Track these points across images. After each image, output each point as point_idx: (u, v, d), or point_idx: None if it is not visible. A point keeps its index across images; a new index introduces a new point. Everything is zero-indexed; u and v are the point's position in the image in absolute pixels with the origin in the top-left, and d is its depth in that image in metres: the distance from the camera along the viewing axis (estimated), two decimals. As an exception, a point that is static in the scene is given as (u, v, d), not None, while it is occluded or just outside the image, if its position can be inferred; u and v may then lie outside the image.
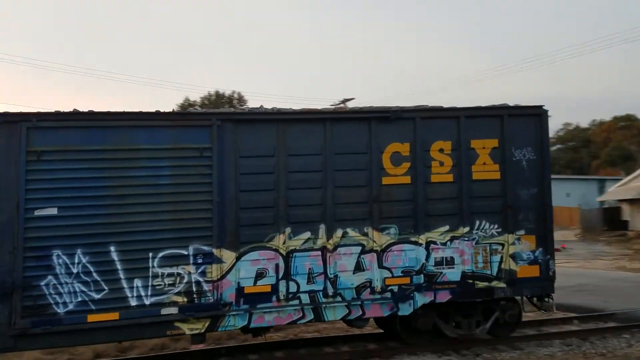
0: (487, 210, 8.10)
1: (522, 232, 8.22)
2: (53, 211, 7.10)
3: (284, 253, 7.56)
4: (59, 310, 7.02)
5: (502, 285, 8.13)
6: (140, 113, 7.37)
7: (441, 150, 8.07)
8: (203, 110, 7.97)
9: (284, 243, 7.56)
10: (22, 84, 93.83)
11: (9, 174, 6.96)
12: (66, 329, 7.05)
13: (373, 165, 7.82)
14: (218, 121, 7.48)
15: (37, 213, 7.06)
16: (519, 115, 8.34)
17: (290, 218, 7.60)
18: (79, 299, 7.06)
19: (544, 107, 8.50)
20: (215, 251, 7.37)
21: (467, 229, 8.01)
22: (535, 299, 9.10)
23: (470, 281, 8.02)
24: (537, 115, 8.38)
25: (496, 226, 8.14)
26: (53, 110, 7.41)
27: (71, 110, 7.39)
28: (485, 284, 8.08)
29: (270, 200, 7.56)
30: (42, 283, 7.01)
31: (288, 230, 7.58)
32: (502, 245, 8.15)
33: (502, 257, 8.13)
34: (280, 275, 7.54)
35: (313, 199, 7.67)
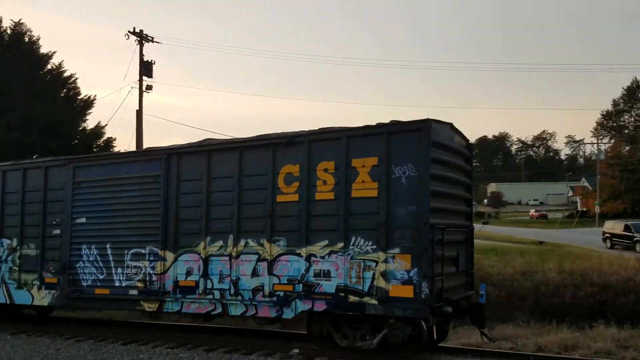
0: (363, 227, 8.31)
1: (396, 250, 8.06)
2: (83, 220, 11.06)
3: (204, 257, 9.67)
4: (83, 284, 10.91)
5: (374, 302, 8.15)
6: (123, 153, 10.77)
7: (325, 170, 8.74)
8: (155, 147, 10.77)
9: (204, 248, 9.67)
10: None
11: (67, 197, 11.23)
12: (85, 297, 10.90)
13: (270, 185, 9.15)
14: (165, 155, 10.21)
15: (78, 221, 11.13)
16: (400, 131, 8.26)
17: (209, 229, 9.67)
18: (92, 277, 10.82)
19: (429, 120, 8.13)
20: (160, 252, 10.07)
21: (342, 244, 8.43)
22: (481, 327, 8.61)
23: (343, 294, 8.38)
24: (418, 130, 8.10)
25: (371, 243, 8.25)
26: (88, 155, 11.48)
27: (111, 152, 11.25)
28: (357, 298, 8.28)
29: (198, 215, 9.81)
30: (77, 265, 11.03)
31: (208, 238, 9.66)
32: (376, 262, 8.20)
33: (374, 274, 8.19)
34: (201, 273, 9.66)
35: (226, 214, 9.52)
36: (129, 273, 10.40)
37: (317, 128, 9.17)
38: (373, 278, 8.20)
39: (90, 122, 27.08)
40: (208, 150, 9.90)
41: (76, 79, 27.02)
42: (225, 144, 10.00)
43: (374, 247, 8.23)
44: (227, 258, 9.43)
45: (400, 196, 8.12)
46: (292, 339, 10.25)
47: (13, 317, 12.77)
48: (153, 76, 27.98)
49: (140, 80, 27.77)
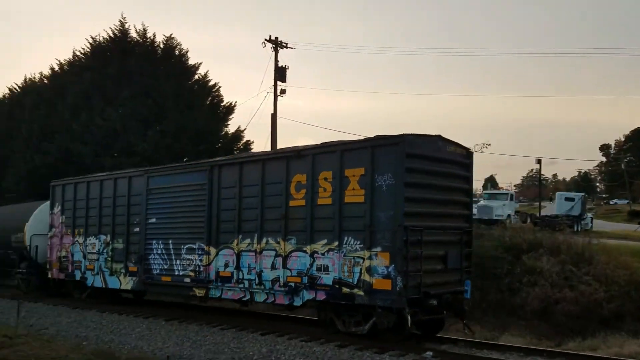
0: (353, 229, 9.75)
1: (378, 249, 9.35)
2: (154, 220, 13.58)
3: (237, 252, 11.76)
4: (154, 272, 13.50)
5: (361, 293, 9.54)
6: (179, 165, 13.10)
7: (325, 179, 10.33)
8: (202, 161, 12.83)
9: (237, 245, 11.78)
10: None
11: (143, 201, 13.83)
12: (155, 283, 13.49)
13: (284, 191, 10.84)
14: (209, 166, 12.35)
15: (150, 221, 13.69)
16: (382, 145, 9.52)
17: (241, 229, 11.61)
18: (160, 267, 13.34)
19: (405, 135, 9.21)
20: (206, 247, 12.28)
21: (337, 243, 9.91)
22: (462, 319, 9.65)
23: (338, 286, 9.93)
24: (395, 144, 9.23)
25: (359, 242, 9.62)
26: (157, 167, 13.96)
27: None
28: (349, 290, 9.74)
29: (233, 217, 11.75)
30: (150, 257, 13.65)
31: (240, 237, 11.77)
32: (362, 259, 9.50)
33: (361, 269, 9.50)
34: (234, 266, 11.68)
35: (252, 216, 11.40)
36: (184, 264, 12.81)
37: (320, 142, 10.68)
38: (360, 272, 9.74)
39: (231, 127, 29.06)
40: (240, 162, 11.93)
41: (219, 87, 29.05)
42: (252, 156, 12.00)
43: (361, 245, 9.73)
44: (253, 253, 11.42)
45: (382, 202, 9.51)
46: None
47: (114, 299, 15.75)
48: (287, 80, 29.24)
49: (275, 86, 29.23)
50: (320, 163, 10.38)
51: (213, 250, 12.33)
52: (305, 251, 10.46)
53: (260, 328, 11.34)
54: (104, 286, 15.20)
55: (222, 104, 28.84)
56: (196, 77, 28.51)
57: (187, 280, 12.81)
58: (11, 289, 19.52)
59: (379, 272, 9.41)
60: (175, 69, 27.64)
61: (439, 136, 10.06)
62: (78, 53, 28.50)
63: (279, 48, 29.51)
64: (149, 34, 27.94)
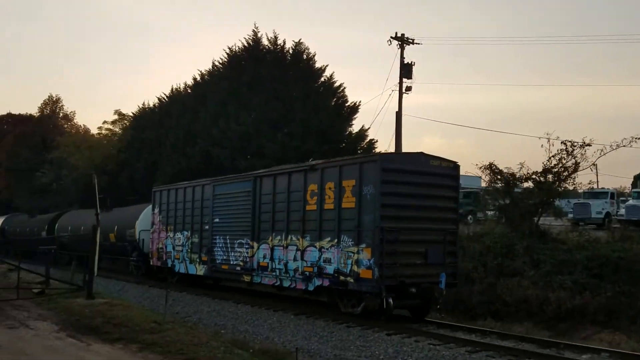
0: (347, 229, 11.86)
1: (364, 245, 11.61)
2: (217, 220, 16.86)
3: (271, 246, 14.27)
4: (217, 262, 16.67)
5: (352, 280, 11.93)
6: (234, 176, 16.26)
7: (330, 188, 12.57)
8: (249, 173, 15.69)
9: (271, 241, 14.27)
10: None
11: (210, 204, 17.19)
12: (218, 270, 16.60)
13: (302, 198, 13.35)
14: (253, 177, 15.27)
15: (215, 220, 17.02)
16: (367, 162, 11.94)
17: (274, 228, 14.27)
18: (221, 257, 16.48)
19: (382, 154, 11.37)
20: (251, 242, 15.12)
21: (336, 240, 12.11)
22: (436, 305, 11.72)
23: (337, 275, 12.13)
24: (374, 161, 11.74)
25: (351, 240, 11.77)
26: (220, 177, 17.23)
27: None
28: (344, 278, 11.90)
29: (269, 218, 14.49)
30: (214, 249, 16.84)
31: (273, 234, 14.22)
32: (353, 253, 11.74)
33: (352, 261, 11.72)
34: (270, 257, 14.37)
35: (281, 218, 14.01)
36: (236, 255, 15.68)
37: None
38: (351, 264, 12.13)
39: (355, 127, 29.96)
40: (274, 174, 14.62)
41: (344, 88, 30.03)
42: (282, 169, 14.92)
43: (352, 242, 12.17)
44: (282, 248, 13.92)
45: (366, 207, 11.92)
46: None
47: (198, 284, 19.29)
48: (412, 77, 29.58)
49: (400, 83, 29.63)
50: (326, 175, 12.95)
51: (255, 245, 14.61)
52: (315, 246, 13.05)
53: (386, 328, 11.64)
54: (186, 272, 18.82)
55: (346, 104, 29.69)
56: (322, 79, 29.63)
57: (238, 268, 15.68)
58: (123, 274, 24.10)
59: (364, 264, 11.82)
60: (303, 72, 29.10)
61: (422, 153, 12.21)
62: (217, 63, 31.87)
63: (405, 45, 29.61)
64: (279, 41, 29.96)
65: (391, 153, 11.13)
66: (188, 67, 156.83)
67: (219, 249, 16.79)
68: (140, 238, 23.29)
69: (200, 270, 17.86)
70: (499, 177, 19.64)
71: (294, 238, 13.63)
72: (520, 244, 17.02)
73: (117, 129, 43.69)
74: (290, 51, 30.05)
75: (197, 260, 17.94)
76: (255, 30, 30.66)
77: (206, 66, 35.94)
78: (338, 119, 28.83)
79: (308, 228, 13.13)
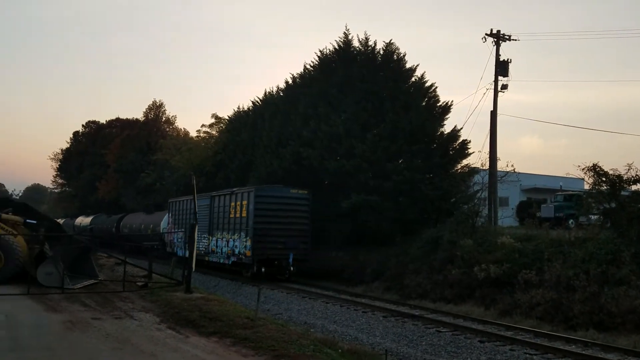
0: (243, 228, 23.68)
1: (249, 237, 22.67)
2: (207, 221, 27.46)
3: (216, 238, 23.60)
4: (201, 251, 24.17)
5: (244, 257, 23.18)
6: (200, 195, 25.17)
7: (238, 205, 23.76)
8: (208, 193, 27.96)
9: (216, 235, 25.09)
10: None
11: (190, 212, 22.91)
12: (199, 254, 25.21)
13: (229, 210, 25.23)
14: (210, 196, 26.92)
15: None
16: (250, 191, 23.75)
17: (217, 227, 26.35)
18: (207, 247, 24.99)
19: (257, 187, 24.72)
20: (208, 236, 26.47)
21: (238, 235, 23.97)
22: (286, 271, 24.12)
23: (239, 254, 23.53)
24: (252, 190, 23.82)
25: (244, 234, 22.94)
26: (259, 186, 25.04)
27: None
28: (242, 256, 23.63)
29: (216, 222, 26.11)
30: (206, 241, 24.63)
31: (217, 232, 26.01)
32: (245, 242, 23.31)
33: (245, 246, 23.35)
34: (215, 245, 25.90)
35: (220, 222, 25.71)
36: (203, 244, 26.38)
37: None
38: (245, 248, 23.11)
39: (446, 127, 29.14)
40: (218, 195, 25.88)
41: (436, 87, 29.13)
42: (220, 192, 26.66)
43: (244, 236, 22.92)
44: (221, 239, 25.16)
45: (250, 216, 23.05)
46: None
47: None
48: (509, 75, 28.34)
49: (496, 81, 28.64)
50: (237, 197, 24.33)
51: (210, 238, 25.95)
52: (233, 239, 23.86)
53: (477, 333, 11.56)
54: (182, 255, 24.86)
55: (437, 104, 29.11)
56: (413, 79, 29.22)
57: (202, 252, 26.21)
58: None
59: (247, 247, 22.82)
60: (393, 73, 28.90)
61: (283, 185, 24.56)
62: (308, 66, 32.48)
63: (500, 41, 28.62)
64: (370, 42, 29.85)
65: (263, 186, 25.30)
66: (281, 72, 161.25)
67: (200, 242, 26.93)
68: (164, 232, 34.78)
69: (182, 253, 27.13)
70: (603, 179, 18.31)
71: (225, 234, 24.73)
72: (628, 251, 15.76)
73: (214, 132, 45.87)
74: (381, 52, 29.97)
75: (185, 248, 26.20)
76: (347, 32, 30.85)
77: (298, 70, 36.70)
78: (429, 119, 28.37)
79: (230, 228, 24.31)
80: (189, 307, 13.14)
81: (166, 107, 67.70)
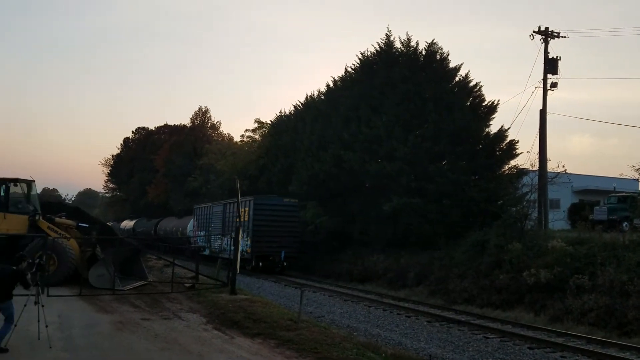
0: (246, 229, 27.33)
1: (249, 237, 27.33)
2: (212, 225, 30.84)
3: (227, 238, 25.11)
4: (212, 247, 26.56)
5: (245, 253, 26.86)
6: (214, 203, 32.63)
7: (245, 210, 27.01)
8: (222, 201, 33.30)
9: (227, 235, 22.32)
10: None
11: (252, 215, 29.02)
12: (212, 250, 32.51)
13: (238, 214, 21.96)
14: (222, 204, 29.10)
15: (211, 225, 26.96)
16: (250, 200, 28.81)
17: (227, 230, 25.46)
18: (212, 244, 27.86)
19: (255, 195, 30.02)
20: (222, 237, 22.62)
21: (246, 235, 26.55)
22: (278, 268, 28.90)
23: (244, 250, 26.66)
24: (252, 200, 28.91)
25: (247, 234, 27.04)
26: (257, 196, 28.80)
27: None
28: (245, 252, 27.26)
29: (228, 224, 29.75)
30: (211, 240, 25.26)
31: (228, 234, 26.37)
32: (247, 241, 28.35)
33: (247, 244, 28.17)
34: (227, 244, 29.63)
35: (231, 225, 22.87)
36: (218, 243, 30.71)
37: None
38: (246, 246, 27.84)
39: (493, 127, 28.46)
40: (228, 203, 30.34)
41: (481, 86, 28.50)
42: (230, 200, 30.47)
43: (247, 236, 27.61)
44: (231, 238, 26.95)
45: (251, 220, 28.13)
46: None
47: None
48: (558, 72, 27.55)
49: (545, 79, 27.86)
50: (243, 204, 26.54)
51: (224, 238, 29.47)
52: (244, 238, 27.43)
53: (526, 340, 11.34)
54: (208, 253, 32.16)
55: (483, 104, 28.54)
56: (457, 79, 28.75)
57: (217, 249, 30.40)
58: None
59: (248, 245, 27.71)
60: (436, 73, 28.56)
61: (277, 195, 30.28)
62: (349, 69, 32.59)
63: (549, 38, 27.90)
64: (412, 43, 29.59)
65: (261, 196, 30.73)
66: (323, 76, 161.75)
67: (213, 240, 32.36)
68: (190, 234, 40.62)
69: (207, 251, 32.37)
70: (660, 179, 17.49)
71: (233, 234, 26.08)
72: (687, 255, 14.96)
73: (256, 136, 46.54)
74: (423, 52, 29.64)
75: (208, 246, 33.08)
76: (388, 34, 30.72)
77: (339, 73, 36.84)
78: (474, 119, 27.73)
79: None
80: (234, 308, 13.33)
81: (211, 113, 69.14)
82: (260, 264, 27.87)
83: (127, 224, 61.78)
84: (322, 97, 35.41)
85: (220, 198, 41.31)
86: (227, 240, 28.58)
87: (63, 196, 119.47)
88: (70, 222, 18.40)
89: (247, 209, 28.50)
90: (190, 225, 40.60)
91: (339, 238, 31.04)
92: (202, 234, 35.57)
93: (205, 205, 37.44)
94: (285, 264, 28.77)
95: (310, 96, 37.96)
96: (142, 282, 17.60)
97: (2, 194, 17.86)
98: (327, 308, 17.12)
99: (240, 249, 24.68)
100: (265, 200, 29.57)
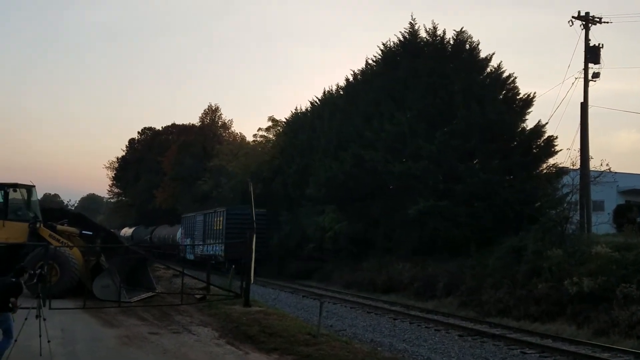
0: (219, 237, 36.61)
1: (222, 243, 33.90)
2: (196, 232, 39.73)
3: (207, 245, 34.90)
4: (195, 252, 29.82)
5: (220, 257, 34.68)
6: (195, 213, 40.31)
7: (218, 220, 35.81)
8: (202, 211, 42.25)
9: (207, 241, 26.50)
10: None
11: (224, 223, 36.34)
12: (195, 255, 41.93)
13: (210, 223, 39.08)
14: (203, 214, 39.37)
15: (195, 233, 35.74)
16: (222, 211, 37.27)
17: (208, 236, 36.24)
18: (197, 250, 29.36)
19: (228, 207, 37.17)
20: (202, 243, 28.66)
21: (219, 241, 35.71)
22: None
23: (219, 256, 35.59)
24: (224, 210, 37.16)
25: (219, 241, 34.53)
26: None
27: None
28: (220, 257, 36.28)
29: (209, 232, 38.15)
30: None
31: (208, 239, 36.27)
32: (220, 247, 36.03)
33: (220, 249, 36.39)
34: (209, 249, 35.46)
35: (211, 232, 37.94)
36: (200, 249, 38.65)
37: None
38: (220, 251, 35.97)
39: (529, 122, 27.92)
40: (207, 213, 39.05)
41: (515, 78, 28.05)
42: (211, 210, 39.76)
43: (220, 243, 34.89)
44: (211, 245, 35.62)
45: (224, 229, 35.65)
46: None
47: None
48: (600, 62, 26.73)
49: (586, 69, 27.19)
50: (217, 215, 37.36)
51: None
52: (216, 245, 35.67)
53: (569, 355, 11.60)
54: (190, 258, 40.43)
55: (518, 97, 28.14)
56: (488, 70, 28.52)
57: (199, 254, 38.53)
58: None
59: (222, 250, 35.06)
60: (466, 64, 28.33)
61: (248, 205, 23.58)
62: (370, 61, 32.53)
63: (590, 24, 27.05)
64: (439, 32, 29.36)
65: (233, 206, 37.26)
66: (341, 71, 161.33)
67: (196, 247, 40.36)
68: (179, 241, 47.61)
69: (191, 257, 40.76)
70: None
71: (211, 241, 36.93)
72: None
73: (270, 136, 46.76)
74: (451, 42, 29.38)
75: (191, 252, 41.31)
76: (412, 22, 30.52)
77: (359, 66, 36.81)
78: (507, 113, 27.34)
79: (214, 237, 36.84)
80: (248, 321, 13.37)
81: (222, 111, 69.46)
82: (233, 266, 32.24)
83: (127, 231, 65.16)
84: (341, 92, 35.51)
85: (232, 202, 42.11)
86: (207, 248, 38.10)
87: (65, 202, 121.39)
88: (73, 229, 18.65)
89: (221, 218, 36.72)
90: (179, 233, 47.92)
91: (360, 245, 30.95)
92: (187, 241, 44.34)
93: (190, 214, 45.87)
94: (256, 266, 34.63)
95: (328, 91, 38.10)
96: (150, 294, 17.76)
97: (1, 200, 18.18)
98: (348, 321, 17.10)
99: (217, 253, 34.86)
100: (236, 211, 35.85)
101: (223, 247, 35.10)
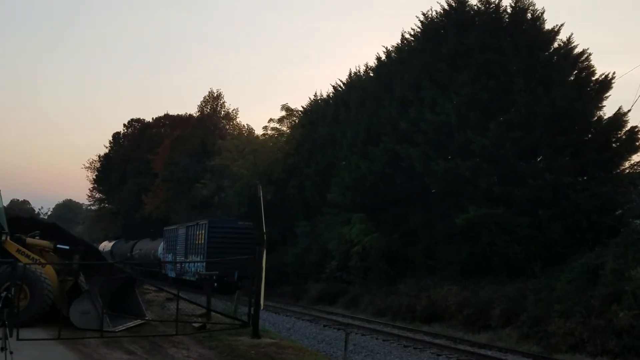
0: (201, 251, 40.79)
1: (204, 259, 38.99)
2: (177, 247, 45.50)
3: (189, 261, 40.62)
4: (177, 270, 39.16)
5: (200, 273, 39.35)
6: (178, 225, 49.31)
7: (199, 234, 39.89)
8: (184, 223, 47.04)
9: (189, 257, 39.02)
10: None
11: (206, 236, 40.73)
12: (177, 273, 46.15)
13: (192, 237, 43.52)
14: (185, 226, 45.56)
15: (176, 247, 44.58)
16: (204, 223, 41.23)
17: (190, 251, 42.60)
18: (177, 268, 42.89)
19: (210, 219, 41.98)
20: (184, 257, 41.06)
21: (201, 257, 40.81)
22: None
23: (199, 272, 39.36)
24: (206, 222, 40.85)
25: (201, 256, 39.01)
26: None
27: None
28: (199, 273, 40.35)
29: (190, 246, 43.13)
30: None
31: (190, 255, 42.54)
32: (202, 263, 39.82)
33: (202, 266, 39.96)
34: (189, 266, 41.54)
35: (193, 246, 43.05)
36: (182, 266, 43.72)
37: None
38: (201, 267, 39.54)
39: (607, 110, 27.65)
40: (189, 226, 43.92)
41: (589, 54, 27.84)
42: (193, 222, 43.83)
43: (202, 258, 39.04)
44: (194, 263, 40.61)
45: (206, 243, 39.65)
46: None
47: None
48: None
49: None
50: (199, 228, 41.41)
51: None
52: (196, 261, 40.14)
53: None
54: (171, 276, 44.56)
55: (592, 78, 27.92)
56: (555, 45, 28.39)
57: (179, 270, 43.56)
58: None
59: (203, 266, 38.70)
60: (527, 37, 28.20)
61: (235, 217, 41.43)
62: (407, 35, 32.59)
63: None
64: None
65: (215, 219, 41.59)
66: (370, 47, 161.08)
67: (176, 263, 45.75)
68: (160, 256, 50.89)
69: (172, 274, 44.52)
70: None
71: (193, 256, 41.63)
72: None
73: (284, 128, 46.94)
74: (509, 10, 29.34)
75: (172, 269, 45.14)
76: (460, -14, 30.50)
77: (393, 41, 36.76)
78: (580, 99, 27.02)
79: (196, 251, 41.28)
80: (257, 356, 13.39)
81: (225, 99, 69.83)
82: (216, 284, 33.87)
83: (106, 245, 67.35)
84: (371, 75, 35.67)
85: (238, 210, 42.82)
86: (189, 264, 42.47)
87: (37, 210, 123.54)
88: (45, 243, 18.78)
89: (202, 231, 40.42)
90: (161, 247, 50.69)
91: (395, 262, 31.03)
92: (169, 257, 47.99)
93: (172, 227, 49.22)
94: (239, 284, 33.24)
95: (355, 73, 38.27)
96: (139, 321, 17.84)
97: (-41, 207, 18.36)
98: (380, 357, 17.11)
99: (199, 269, 38.89)
100: (219, 223, 40.28)
101: (204, 264, 38.47)
